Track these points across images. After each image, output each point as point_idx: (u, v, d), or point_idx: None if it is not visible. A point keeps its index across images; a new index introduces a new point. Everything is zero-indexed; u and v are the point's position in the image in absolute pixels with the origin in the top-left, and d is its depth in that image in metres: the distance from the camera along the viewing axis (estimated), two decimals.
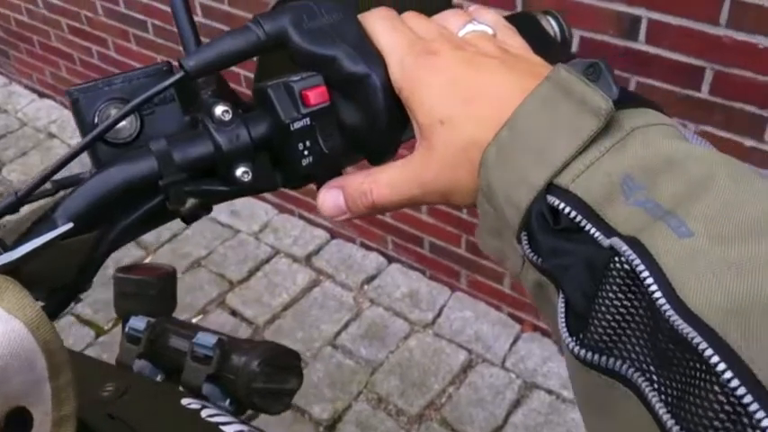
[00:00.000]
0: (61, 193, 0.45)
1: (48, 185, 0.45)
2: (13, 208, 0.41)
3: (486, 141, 0.37)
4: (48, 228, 0.40)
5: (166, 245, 2.29)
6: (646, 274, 0.27)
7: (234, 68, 0.48)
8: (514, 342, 1.92)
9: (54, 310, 0.45)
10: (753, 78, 1.25)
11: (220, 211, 2.34)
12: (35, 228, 0.40)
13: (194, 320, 2.06)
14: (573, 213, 0.32)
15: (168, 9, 2.27)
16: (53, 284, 0.44)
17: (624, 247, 0.28)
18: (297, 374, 0.67)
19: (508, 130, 0.36)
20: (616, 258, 0.29)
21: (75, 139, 2.81)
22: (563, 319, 0.31)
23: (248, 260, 2.22)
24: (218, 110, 0.44)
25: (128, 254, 2.25)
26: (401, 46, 0.43)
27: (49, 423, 0.35)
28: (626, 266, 0.28)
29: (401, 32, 0.44)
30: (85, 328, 2.07)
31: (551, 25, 0.56)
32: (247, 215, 2.37)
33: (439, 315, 2.01)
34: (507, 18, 0.55)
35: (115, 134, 0.44)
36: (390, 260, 2.18)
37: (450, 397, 1.83)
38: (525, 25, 0.56)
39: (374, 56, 0.44)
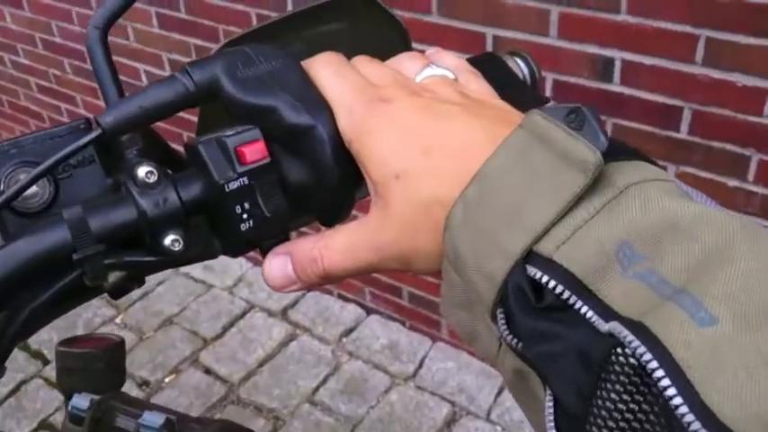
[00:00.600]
0: None
1: None
2: None
3: (451, 199, 0.31)
4: None
5: (138, 303, 2.18)
6: (660, 373, 0.21)
7: (169, 125, 0.41)
8: (499, 393, 1.82)
9: None
10: (732, 117, 1.21)
11: (193, 266, 2.24)
12: None
13: (167, 380, 1.94)
14: (559, 288, 0.26)
15: (135, 64, 2.22)
16: None
17: (629, 336, 0.23)
18: None
19: (476, 187, 0.30)
20: (618, 350, 0.23)
21: None
22: (552, 421, 0.25)
23: (222, 316, 2.12)
24: (141, 171, 0.37)
25: (97, 313, 2.13)
26: (349, 93, 0.37)
27: None
28: (632, 360, 0.22)
29: (349, 78, 0.38)
30: (54, 391, 1.94)
31: (519, 67, 0.50)
32: (221, 269, 2.28)
33: (420, 367, 1.91)
34: (470, 61, 0.48)
35: (25, 202, 0.38)
36: (369, 311, 2.09)
37: None
38: (491, 68, 0.49)
39: (319, 104, 0.38)
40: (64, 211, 0.36)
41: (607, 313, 0.24)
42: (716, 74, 1.19)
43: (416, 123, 0.34)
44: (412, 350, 1.96)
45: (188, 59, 2.01)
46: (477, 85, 0.39)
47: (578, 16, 1.29)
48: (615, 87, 1.32)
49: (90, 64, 0.42)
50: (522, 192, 0.28)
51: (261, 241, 0.41)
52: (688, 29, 1.18)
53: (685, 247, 0.25)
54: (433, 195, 0.32)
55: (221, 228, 0.40)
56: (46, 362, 2.00)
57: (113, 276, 0.39)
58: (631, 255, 0.25)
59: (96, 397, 0.61)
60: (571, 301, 0.25)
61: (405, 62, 0.40)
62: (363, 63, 0.40)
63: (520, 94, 0.49)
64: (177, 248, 0.38)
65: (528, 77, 0.50)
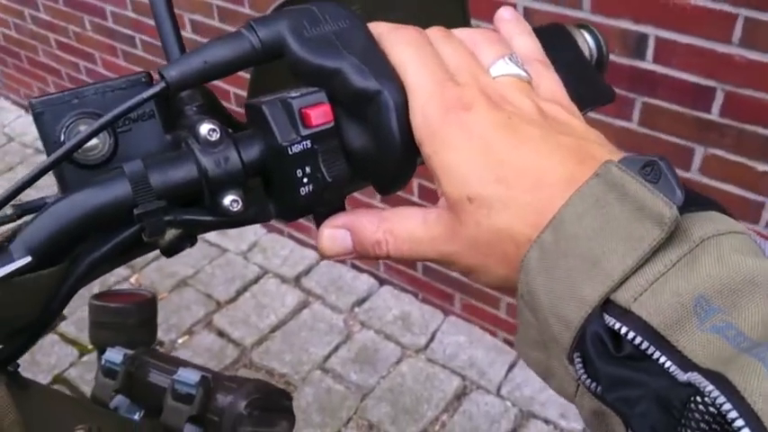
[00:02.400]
0: (25, 219, 0.37)
1: (8, 210, 0.38)
2: None
3: (523, 235, 0.31)
4: (3, 261, 0.33)
5: (153, 263, 2.19)
6: (740, 423, 0.23)
7: (221, 82, 0.40)
8: (510, 369, 1.83)
9: (13, 354, 0.37)
10: (766, 100, 1.19)
11: None
12: None
13: (180, 341, 1.95)
14: (638, 340, 0.27)
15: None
16: (11, 326, 0.36)
17: (709, 386, 0.24)
18: (287, 417, 0.58)
19: (552, 233, 0.30)
20: (698, 398, 0.24)
21: None
22: None
23: (236, 280, 2.13)
24: (204, 128, 0.36)
25: (113, 272, 2.14)
26: (429, 85, 0.35)
27: None
28: (711, 409, 0.24)
29: (430, 66, 0.36)
30: (69, 347, 1.96)
31: (587, 42, 0.48)
32: (235, 234, 2.28)
33: (432, 339, 1.92)
34: (537, 31, 0.47)
35: (85, 154, 0.38)
36: (382, 282, 2.09)
37: (443, 425, 1.73)
38: (557, 41, 0.47)
39: (387, 70, 0.37)
40: (125, 165, 0.36)
41: (686, 364, 0.25)
42: (753, 55, 1.16)
43: (494, 144, 0.33)
44: (424, 322, 1.96)
45: (209, 20, 1.99)
46: (551, 87, 0.38)
47: None
48: (647, 65, 1.30)
49: (153, 17, 0.41)
50: (598, 241, 0.28)
51: (317, 207, 0.40)
52: (726, 7, 1.16)
53: (762, 302, 0.26)
54: (505, 228, 0.32)
55: (279, 191, 0.39)
56: (62, 317, 2.02)
57: (169, 234, 0.38)
58: (708, 308, 0.26)
59: (130, 351, 0.61)
60: (650, 351, 0.26)
61: (480, 45, 0.39)
62: (440, 41, 0.38)
63: (585, 82, 0.47)
64: (236, 209, 0.37)
65: (595, 53, 0.48)
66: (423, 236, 0.36)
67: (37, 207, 0.40)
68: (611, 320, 0.27)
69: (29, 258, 0.34)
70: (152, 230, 0.36)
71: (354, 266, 2.14)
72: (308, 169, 0.37)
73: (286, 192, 0.38)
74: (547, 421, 1.71)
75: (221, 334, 1.97)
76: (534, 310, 0.31)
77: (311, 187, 0.37)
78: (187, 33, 2.09)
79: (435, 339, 1.92)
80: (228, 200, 0.37)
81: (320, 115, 0.37)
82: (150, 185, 0.36)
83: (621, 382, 0.27)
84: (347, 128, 0.38)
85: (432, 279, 1.96)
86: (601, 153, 0.32)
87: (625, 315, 0.27)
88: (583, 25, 0.50)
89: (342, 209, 0.41)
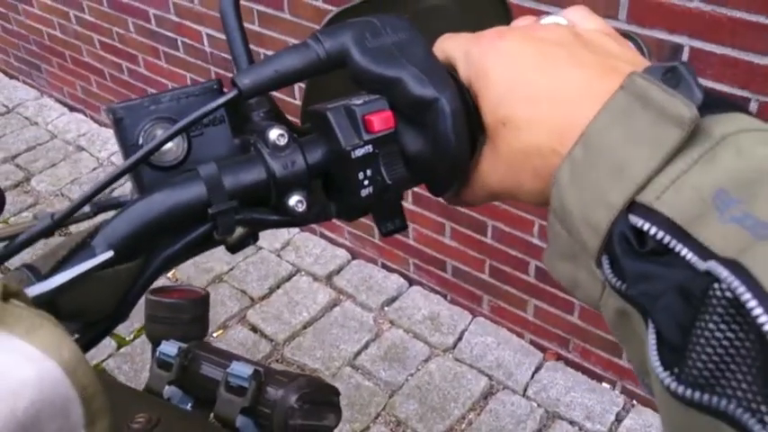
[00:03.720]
0: (100, 218, 0.40)
1: (86, 208, 0.40)
2: (49, 232, 0.36)
3: (549, 149, 0.34)
4: (86, 256, 0.36)
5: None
6: (753, 303, 0.23)
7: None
8: (537, 370, 1.83)
9: (87, 344, 0.39)
10: None
11: None
12: (73, 255, 0.36)
13: (215, 335, 1.99)
14: (660, 234, 0.28)
15: (198, 28, 2.24)
16: (88, 318, 0.38)
17: (725, 273, 0.24)
18: (335, 411, 0.60)
19: (582, 148, 0.32)
20: (716, 285, 0.25)
21: (104, 153, 2.77)
22: (655, 352, 0.27)
23: (269, 277, 2.16)
24: (273, 134, 0.39)
25: None
26: (466, 40, 0.39)
27: None
28: (728, 294, 0.24)
29: (465, 36, 0.40)
30: (107, 338, 2.00)
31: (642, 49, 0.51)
32: (269, 232, 2.30)
33: (460, 339, 1.93)
34: None
35: (161, 157, 0.40)
36: (411, 282, 2.11)
37: (470, 423, 1.74)
38: None
39: (445, 79, 0.39)
40: (200, 168, 0.38)
41: (704, 254, 0.26)
42: None
43: (523, 66, 0.36)
44: (452, 323, 1.97)
45: (249, 24, 2.02)
46: (596, 23, 0.41)
47: (650, 1, 1.26)
48: None
49: (223, 28, 0.43)
50: (625, 149, 0.30)
51: (376, 207, 0.42)
52: (763, 19, 1.15)
53: None
54: (534, 144, 0.35)
55: (341, 192, 0.41)
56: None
57: (237, 231, 0.40)
58: (728, 200, 0.27)
59: (184, 345, 0.63)
60: (671, 245, 0.27)
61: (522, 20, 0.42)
62: None
63: None
64: (300, 209, 0.39)
65: None
66: (475, 178, 0.40)
67: (111, 205, 0.42)
68: (636, 220, 0.29)
69: (111, 253, 0.36)
70: (224, 229, 0.39)
71: (384, 266, 2.16)
72: (369, 172, 0.39)
73: (348, 193, 0.40)
74: (572, 422, 1.71)
75: (254, 329, 2.00)
76: (565, 221, 0.32)
77: (372, 189, 0.40)
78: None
79: (463, 339, 1.93)
80: (294, 200, 0.39)
81: (382, 121, 0.39)
82: (223, 186, 0.38)
83: (645, 278, 0.28)
84: (405, 133, 0.40)
85: (461, 280, 1.97)
86: (624, 67, 0.34)
87: (649, 213, 0.28)
88: (627, 35, 0.52)
89: (399, 208, 0.44)
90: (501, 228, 1.77)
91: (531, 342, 1.89)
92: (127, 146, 0.40)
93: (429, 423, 1.74)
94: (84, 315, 0.38)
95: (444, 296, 2.04)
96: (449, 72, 0.40)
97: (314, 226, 2.29)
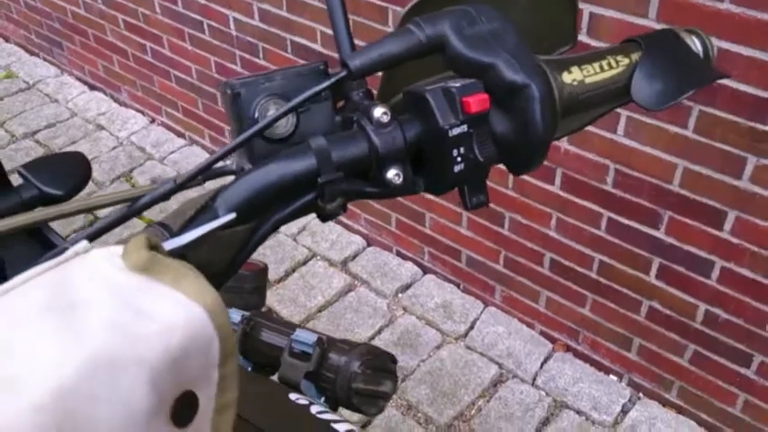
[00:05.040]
0: (207, 184, 0.42)
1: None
2: (170, 195, 0.39)
3: None
4: (209, 217, 0.38)
5: None
6: None
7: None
8: (546, 360, 1.85)
9: None
10: None
11: None
12: (198, 216, 0.38)
13: None
14: None
15: (225, 11, 2.24)
16: (206, 273, 0.40)
17: None
18: (392, 378, 0.62)
19: None
20: None
21: (124, 132, 2.78)
22: None
23: (286, 260, 2.17)
24: (378, 112, 0.42)
25: None
26: None
27: (212, 409, 0.33)
28: None
29: None
30: None
31: (695, 43, 0.53)
32: None
33: (471, 328, 1.95)
34: (650, 35, 0.51)
35: (272, 130, 0.43)
36: (425, 270, 2.13)
37: (479, 410, 1.77)
38: (669, 42, 0.52)
39: (534, 66, 0.42)
40: (311, 141, 0.41)
41: None
42: None
43: None
44: (464, 311, 1.99)
45: (277, 9, 2.03)
46: None
47: (679, 1, 1.28)
48: None
49: (328, 13, 0.46)
50: None
51: (464, 183, 0.44)
52: None
53: None
54: None
55: (433, 168, 0.43)
56: None
57: (335, 201, 0.43)
58: None
59: (246, 313, 0.65)
60: None
61: None
62: None
63: (698, 68, 0.51)
64: (398, 182, 0.42)
65: (702, 52, 0.52)
66: None
67: (217, 174, 0.44)
68: None
69: (233, 215, 0.38)
70: (329, 197, 0.41)
71: (399, 254, 2.18)
72: (462, 150, 0.42)
73: (440, 169, 0.43)
74: (579, 412, 1.73)
75: (270, 311, 2.02)
76: None
77: (464, 165, 0.42)
78: (255, 21, 2.14)
79: (475, 328, 1.95)
80: (392, 173, 0.42)
81: (479, 103, 0.42)
82: (332, 158, 0.40)
83: None
84: (494, 115, 0.43)
85: (474, 270, 1.98)
86: None
87: None
88: (690, 30, 0.54)
89: (485, 184, 0.46)
90: (518, 219, 1.79)
91: (542, 333, 1.91)
92: (242, 118, 0.43)
93: (439, 408, 1.77)
94: (203, 271, 0.40)
95: (458, 285, 2.06)
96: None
97: None
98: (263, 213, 0.41)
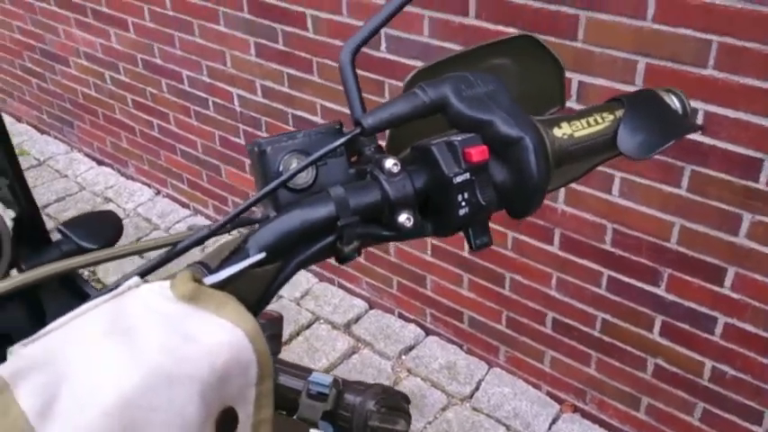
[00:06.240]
0: (234, 232, 0.46)
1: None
2: (204, 240, 0.43)
3: None
4: (242, 257, 0.42)
5: None
6: None
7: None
8: (554, 422, 1.82)
9: None
10: None
11: None
12: (232, 257, 0.42)
13: None
14: None
15: (229, 89, 2.30)
16: None
17: None
18: (406, 418, 0.62)
19: None
20: None
21: (131, 204, 2.81)
22: None
23: (290, 324, 2.16)
24: (389, 163, 0.46)
25: None
26: None
27: (250, 425, 0.36)
28: None
29: None
30: None
31: (673, 101, 0.58)
32: (290, 282, 2.32)
33: (477, 389, 1.92)
34: (632, 94, 0.56)
35: (294, 181, 0.47)
36: (428, 332, 2.11)
37: None
38: (649, 100, 0.56)
39: (527, 122, 0.47)
40: (330, 190, 0.44)
41: None
42: None
43: None
44: (469, 372, 1.97)
45: (279, 86, 2.09)
46: None
47: (664, 68, 1.33)
48: (696, 137, 1.35)
49: (341, 80, 0.50)
50: None
51: (468, 225, 0.48)
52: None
53: None
54: None
55: (440, 212, 0.47)
56: None
57: (351, 245, 0.46)
58: None
59: None
60: None
61: None
62: None
63: (676, 122, 0.56)
64: (408, 225, 0.46)
65: (680, 110, 0.56)
66: None
67: (243, 223, 0.47)
68: None
69: (264, 254, 0.41)
70: (347, 239, 0.45)
71: (401, 316, 2.17)
72: (466, 195, 0.46)
73: (446, 213, 0.47)
74: None
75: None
76: None
77: (468, 209, 0.46)
78: (258, 97, 2.20)
79: (480, 389, 1.92)
80: (403, 217, 0.45)
81: (479, 153, 0.46)
82: (349, 205, 0.44)
83: None
84: (493, 166, 0.48)
85: (477, 331, 1.97)
86: None
87: None
88: (669, 89, 0.60)
89: (487, 227, 0.49)
90: (519, 280, 1.79)
91: (548, 393, 1.88)
92: (268, 172, 0.46)
93: None
94: None
95: (461, 346, 2.05)
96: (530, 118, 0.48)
97: (332, 276, 2.31)
98: (288, 254, 0.44)
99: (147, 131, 2.78)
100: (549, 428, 1.80)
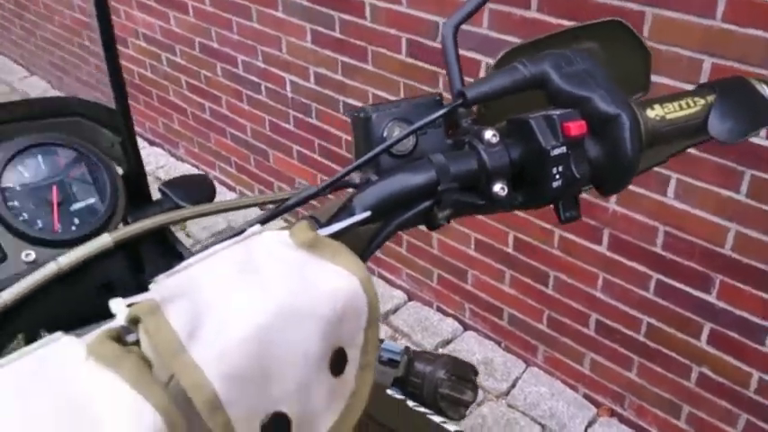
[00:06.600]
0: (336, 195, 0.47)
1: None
2: (312, 198, 0.45)
3: None
4: (348, 214, 0.44)
5: None
6: None
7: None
8: (590, 425, 1.79)
9: None
10: None
11: None
12: (340, 213, 0.44)
13: None
14: None
15: (283, 74, 2.32)
16: None
17: None
18: (473, 388, 0.62)
19: None
20: None
21: None
22: None
23: None
24: (488, 133, 0.47)
25: None
26: None
27: (357, 367, 0.38)
28: None
29: None
30: None
31: (765, 90, 0.58)
32: None
33: (513, 386, 1.90)
34: (723, 81, 0.56)
35: (396, 147, 0.49)
36: (466, 327, 2.10)
37: None
38: (740, 87, 0.58)
39: (623, 100, 0.48)
40: (431, 156, 0.46)
41: None
42: None
43: None
44: (506, 369, 1.95)
45: (332, 73, 2.10)
46: None
47: (731, 68, 1.30)
48: (759, 140, 1.32)
49: (443, 53, 0.51)
50: None
51: (559, 198, 0.49)
52: None
53: None
54: None
55: (533, 184, 0.48)
56: None
57: (445, 212, 0.47)
58: None
59: None
60: None
61: None
62: None
63: (766, 110, 0.56)
64: (502, 194, 0.46)
65: None
66: None
67: (343, 185, 0.49)
68: None
69: (369, 213, 0.43)
70: (445, 204, 0.46)
71: (440, 310, 2.16)
72: (560, 168, 0.47)
73: (540, 184, 0.47)
74: None
75: None
76: None
77: (561, 182, 0.47)
78: (311, 84, 2.21)
79: (516, 387, 1.90)
80: (498, 187, 0.46)
81: (577, 127, 0.47)
82: (450, 171, 0.45)
83: None
84: (587, 141, 0.48)
85: (516, 329, 1.95)
86: None
87: None
88: (761, 79, 0.59)
89: (578, 201, 0.50)
90: (563, 279, 1.77)
91: (585, 396, 1.86)
92: (371, 138, 0.48)
93: None
94: None
95: (499, 343, 2.03)
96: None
97: (373, 266, 2.32)
98: (389, 214, 0.45)
99: (199, 114, 2.82)
100: (585, 431, 1.77)
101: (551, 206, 0.51)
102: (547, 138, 0.47)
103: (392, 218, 0.45)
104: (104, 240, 0.44)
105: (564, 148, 0.47)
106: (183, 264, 0.36)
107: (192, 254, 0.40)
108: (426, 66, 1.81)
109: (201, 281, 0.35)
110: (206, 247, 0.38)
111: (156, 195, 0.63)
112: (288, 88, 2.33)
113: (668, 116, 0.53)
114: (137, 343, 0.34)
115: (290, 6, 2.13)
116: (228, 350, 0.32)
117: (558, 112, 0.47)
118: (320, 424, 0.37)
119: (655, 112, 0.53)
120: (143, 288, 0.35)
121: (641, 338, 1.67)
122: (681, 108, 0.54)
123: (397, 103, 0.49)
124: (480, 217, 1.86)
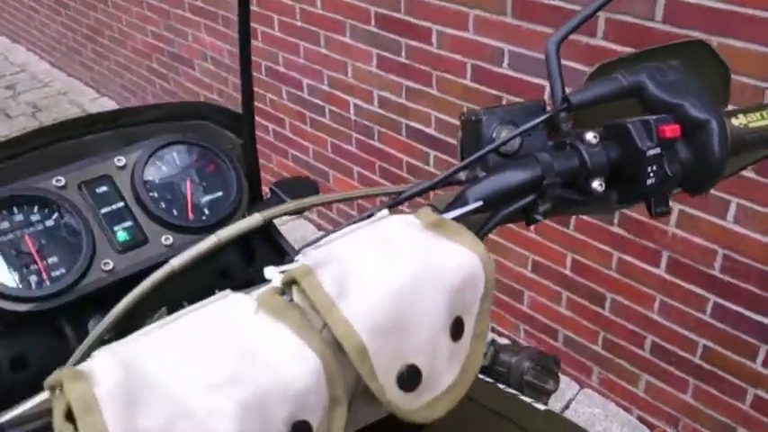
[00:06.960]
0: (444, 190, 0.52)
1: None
2: (425, 191, 0.51)
3: None
4: (461, 204, 0.50)
5: None
6: None
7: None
8: None
9: None
10: None
11: None
12: (455, 202, 0.50)
13: None
14: None
15: (347, 98, 2.40)
16: None
17: None
18: (555, 378, 0.67)
19: None
20: None
21: None
22: None
23: None
24: (589, 135, 0.52)
25: None
26: None
27: (471, 336, 0.44)
28: None
29: None
30: None
31: None
32: None
33: (567, 407, 1.92)
34: None
35: (503, 147, 0.54)
36: None
37: None
38: None
39: (713, 108, 0.53)
40: (537, 155, 0.51)
41: None
42: None
43: None
44: (560, 390, 1.96)
45: (396, 97, 2.18)
46: None
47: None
48: None
49: (546, 66, 0.56)
50: None
51: (652, 195, 0.54)
52: None
53: None
54: None
55: (629, 182, 0.53)
56: None
57: (543, 208, 0.52)
58: None
59: None
60: None
61: None
62: None
63: None
64: (600, 190, 0.52)
65: None
66: None
67: (451, 183, 0.54)
68: None
69: (481, 203, 0.49)
70: (549, 198, 0.51)
71: (494, 330, 2.19)
72: (655, 167, 0.52)
73: (635, 182, 0.52)
74: None
75: None
76: None
77: (655, 180, 0.52)
78: (374, 107, 2.30)
79: (570, 408, 1.92)
80: (596, 183, 0.52)
81: (672, 130, 0.52)
82: (554, 167, 0.51)
83: None
84: (678, 144, 0.54)
85: (571, 350, 1.97)
86: None
87: None
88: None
89: (668, 197, 0.54)
90: (620, 301, 1.79)
91: (639, 418, 1.86)
92: (481, 138, 0.54)
93: None
94: None
95: None
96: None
97: None
98: (496, 206, 0.51)
99: (263, 136, 2.93)
100: None
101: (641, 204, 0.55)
102: (643, 139, 0.51)
103: (499, 209, 0.51)
104: (255, 219, 0.50)
105: (658, 149, 0.51)
106: (326, 238, 0.43)
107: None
108: (489, 90, 1.87)
109: (343, 252, 0.41)
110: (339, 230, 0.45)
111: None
112: (351, 111, 2.42)
113: (751, 125, 0.58)
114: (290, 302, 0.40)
115: (357, 32, 2.23)
116: (373, 308, 0.38)
117: (654, 117, 0.52)
118: (443, 380, 0.42)
119: (739, 121, 0.57)
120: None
121: (697, 360, 1.68)
122: (762, 117, 0.59)
123: (505, 107, 0.55)
124: (540, 239, 1.90)
